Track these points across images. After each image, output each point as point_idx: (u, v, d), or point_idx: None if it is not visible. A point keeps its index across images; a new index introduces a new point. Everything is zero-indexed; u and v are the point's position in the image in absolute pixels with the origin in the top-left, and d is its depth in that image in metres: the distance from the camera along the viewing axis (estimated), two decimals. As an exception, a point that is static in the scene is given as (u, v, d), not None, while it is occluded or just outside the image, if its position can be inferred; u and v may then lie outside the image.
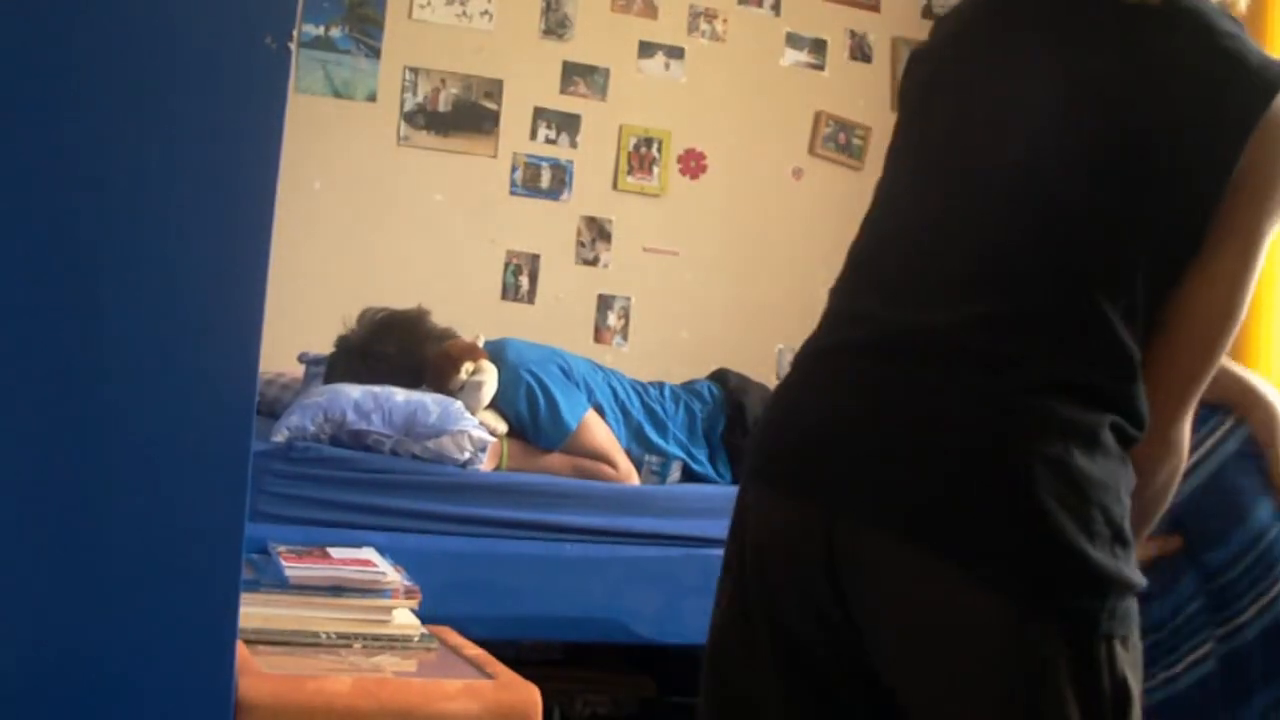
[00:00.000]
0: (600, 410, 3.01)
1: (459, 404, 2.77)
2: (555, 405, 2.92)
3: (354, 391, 2.73)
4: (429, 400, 2.76)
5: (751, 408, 3.09)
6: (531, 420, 2.93)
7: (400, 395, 2.74)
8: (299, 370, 3.24)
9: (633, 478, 2.97)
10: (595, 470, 2.93)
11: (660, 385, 3.17)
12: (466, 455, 2.72)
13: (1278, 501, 1.49)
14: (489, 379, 2.87)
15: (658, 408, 3.07)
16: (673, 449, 3.03)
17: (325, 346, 3.26)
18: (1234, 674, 1.48)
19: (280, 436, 2.63)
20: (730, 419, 3.09)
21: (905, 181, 1.34)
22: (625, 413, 3.04)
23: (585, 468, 2.93)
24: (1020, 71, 1.27)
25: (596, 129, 4.02)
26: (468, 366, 2.88)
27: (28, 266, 1.39)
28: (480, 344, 2.97)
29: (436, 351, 2.90)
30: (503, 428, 2.91)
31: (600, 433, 2.96)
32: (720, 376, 3.23)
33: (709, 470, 3.06)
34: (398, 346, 2.92)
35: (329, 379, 2.91)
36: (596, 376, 3.08)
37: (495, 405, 2.90)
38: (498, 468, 2.85)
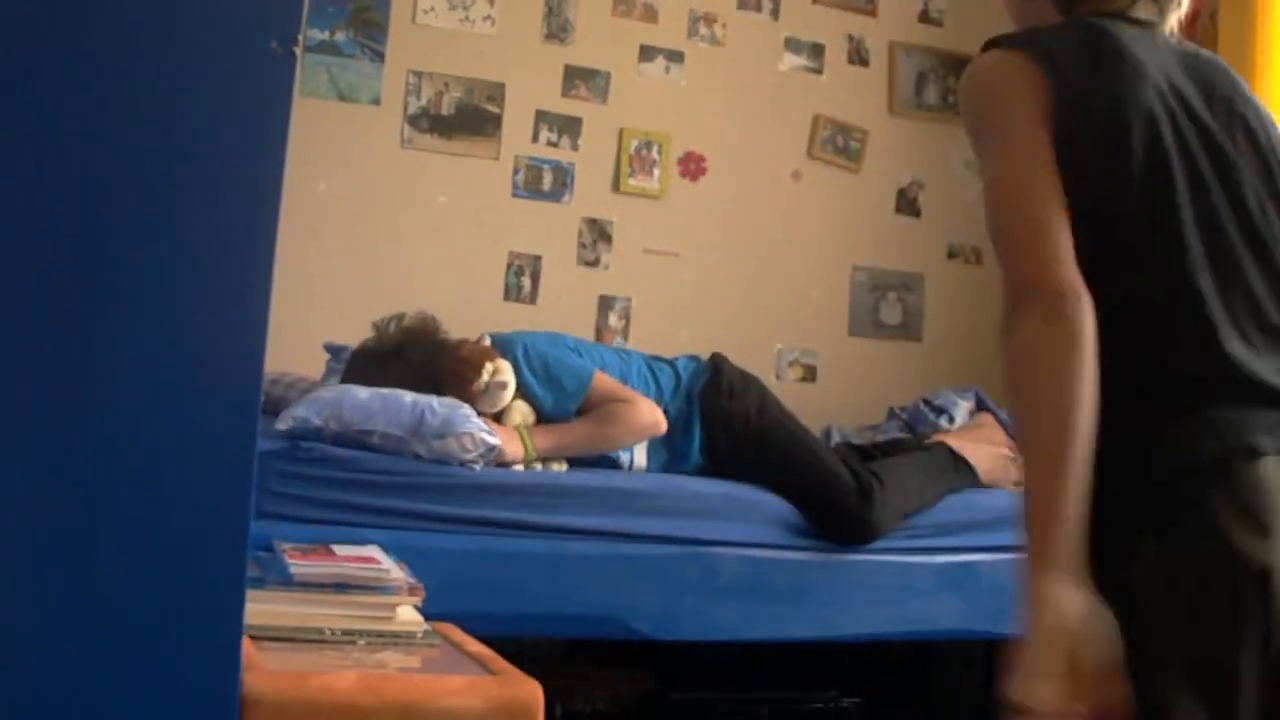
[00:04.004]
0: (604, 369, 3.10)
1: (465, 407, 2.80)
2: (562, 373, 3.00)
3: (362, 393, 2.76)
4: (435, 402, 2.78)
5: (728, 374, 3.19)
6: (547, 391, 2.98)
7: (408, 397, 2.77)
8: (304, 370, 3.26)
9: (656, 411, 3.02)
10: (616, 414, 2.98)
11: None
12: (471, 456, 2.75)
13: None
14: (509, 377, 2.93)
15: (654, 362, 3.23)
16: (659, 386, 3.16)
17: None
18: None
19: (284, 425, 2.66)
20: (710, 380, 3.17)
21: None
22: (625, 360, 3.18)
23: (605, 414, 2.98)
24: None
25: (597, 132, 4.03)
26: (488, 368, 2.92)
27: (34, 268, 1.40)
28: (488, 342, 3.01)
29: (452, 360, 2.94)
30: (533, 417, 2.96)
31: (608, 381, 3.03)
32: (713, 357, 3.31)
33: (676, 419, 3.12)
34: (420, 356, 2.97)
35: (345, 381, 2.94)
36: (594, 349, 3.20)
37: (518, 394, 2.97)
38: (525, 454, 2.88)
